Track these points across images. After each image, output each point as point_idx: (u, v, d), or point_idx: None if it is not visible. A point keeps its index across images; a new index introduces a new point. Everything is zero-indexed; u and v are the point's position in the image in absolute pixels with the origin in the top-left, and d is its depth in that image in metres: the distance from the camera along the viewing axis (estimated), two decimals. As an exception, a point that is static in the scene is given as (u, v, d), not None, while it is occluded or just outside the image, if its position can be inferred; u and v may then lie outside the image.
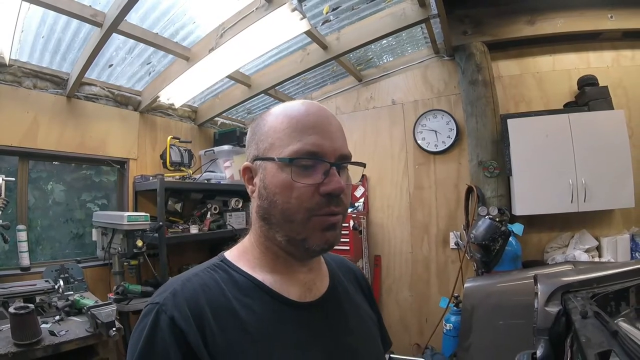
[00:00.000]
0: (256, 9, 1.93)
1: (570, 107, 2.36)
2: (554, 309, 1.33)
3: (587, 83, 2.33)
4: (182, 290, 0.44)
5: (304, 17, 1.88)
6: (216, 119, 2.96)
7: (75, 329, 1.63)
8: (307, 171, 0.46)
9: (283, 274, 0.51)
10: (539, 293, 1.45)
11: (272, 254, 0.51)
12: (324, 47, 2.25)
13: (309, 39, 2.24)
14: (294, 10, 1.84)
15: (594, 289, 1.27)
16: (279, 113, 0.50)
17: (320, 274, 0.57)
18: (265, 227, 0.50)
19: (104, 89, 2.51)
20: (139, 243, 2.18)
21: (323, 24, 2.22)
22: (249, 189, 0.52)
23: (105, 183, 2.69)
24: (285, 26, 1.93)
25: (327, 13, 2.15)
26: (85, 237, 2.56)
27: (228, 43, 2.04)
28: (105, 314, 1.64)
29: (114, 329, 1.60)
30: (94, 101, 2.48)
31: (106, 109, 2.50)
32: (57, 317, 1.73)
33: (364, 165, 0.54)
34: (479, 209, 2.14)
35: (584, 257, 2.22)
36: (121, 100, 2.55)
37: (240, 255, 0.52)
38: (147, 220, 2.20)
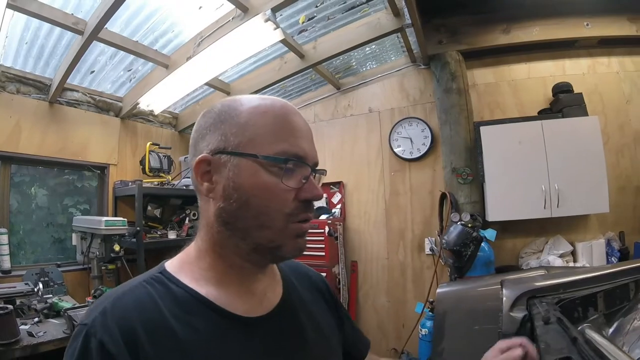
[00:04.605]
0: (232, 18, 2.00)
1: (544, 114, 2.42)
2: (519, 314, 1.36)
3: (561, 90, 2.39)
4: (112, 310, 0.40)
5: (277, 27, 1.95)
6: (198, 124, 3.03)
7: (53, 330, 1.70)
8: (289, 174, 0.44)
9: (230, 287, 0.47)
10: (504, 298, 1.49)
11: (225, 263, 0.47)
12: (301, 55, 2.33)
13: (286, 48, 2.32)
14: (267, 20, 1.91)
15: (561, 294, 1.25)
16: (259, 106, 0.45)
17: (273, 283, 0.53)
18: (225, 232, 0.45)
19: (85, 94, 2.59)
20: (116, 248, 2.24)
21: (300, 33, 2.30)
22: (204, 186, 0.45)
23: (87, 188, 2.75)
24: (260, 35, 2.00)
25: (303, 23, 2.23)
26: (66, 241, 2.62)
27: (205, 51, 2.11)
28: (81, 316, 1.72)
29: (89, 330, 1.68)
30: (75, 107, 2.55)
31: (87, 114, 2.57)
32: (36, 319, 1.80)
33: (324, 172, 0.52)
34: (452, 215, 2.19)
35: (558, 262, 2.27)
36: (102, 106, 2.63)
37: (181, 266, 0.47)
38: (125, 225, 2.26)
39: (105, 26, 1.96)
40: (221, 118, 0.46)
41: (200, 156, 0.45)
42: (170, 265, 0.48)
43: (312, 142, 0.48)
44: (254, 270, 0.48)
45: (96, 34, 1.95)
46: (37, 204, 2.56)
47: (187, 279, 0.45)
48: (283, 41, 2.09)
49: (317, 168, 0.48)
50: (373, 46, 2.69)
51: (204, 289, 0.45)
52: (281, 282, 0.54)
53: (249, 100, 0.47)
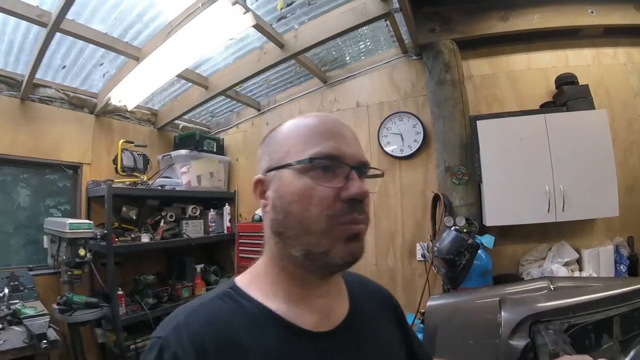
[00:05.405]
0: (202, 4, 1.71)
1: (547, 107, 2.08)
2: (520, 342, 1.04)
3: (565, 82, 2.06)
4: (186, 324, 0.40)
5: (247, 10, 1.65)
6: (178, 122, 2.74)
7: (14, 339, 1.55)
8: (327, 175, 0.42)
9: (298, 301, 0.45)
10: (502, 322, 1.20)
11: (288, 275, 0.45)
12: (281, 45, 2.02)
13: (266, 39, 2.01)
14: (235, 3, 1.61)
15: (570, 318, 1.01)
16: (294, 123, 0.47)
17: (340, 298, 0.51)
18: (280, 243, 0.44)
19: (58, 91, 2.32)
20: (82, 252, 1.97)
21: (279, 20, 1.98)
22: (261, 203, 0.47)
23: (68, 188, 2.48)
24: (229, 20, 1.70)
25: (281, 9, 1.92)
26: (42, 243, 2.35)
27: (174, 40, 1.82)
28: (37, 326, 1.57)
29: (45, 341, 1.51)
30: (48, 103, 2.29)
31: (60, 111, 2.30)
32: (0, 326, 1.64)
33: (382, 174, 0.50)
34: (445, 219, 1.86)
35: (562, 271, 1.92)
36: (76, 102, 2.35)
37: (251, 281, 0.47)
38: (90, 229, 1.98)
39: (71, 18, 1.73)
40: (268, 142, 0.48)
41: (255, 178, 0.47)
42: (241, 280, 0.48)
43: (352, 144, 0.46)
44: (317, 282, 0.46)
45: (58, 25, 1.74)
46: (19, 205, 2.31)
47: (256, 294, 0.45)
48: (257, 27, 1.78)
49: (371, 171, 0.46)
50: (368, 42, 2.38)
51: (274, 304, 0.44)
52: (347, 296, 0.52)
53: (289, 121, 0.48)
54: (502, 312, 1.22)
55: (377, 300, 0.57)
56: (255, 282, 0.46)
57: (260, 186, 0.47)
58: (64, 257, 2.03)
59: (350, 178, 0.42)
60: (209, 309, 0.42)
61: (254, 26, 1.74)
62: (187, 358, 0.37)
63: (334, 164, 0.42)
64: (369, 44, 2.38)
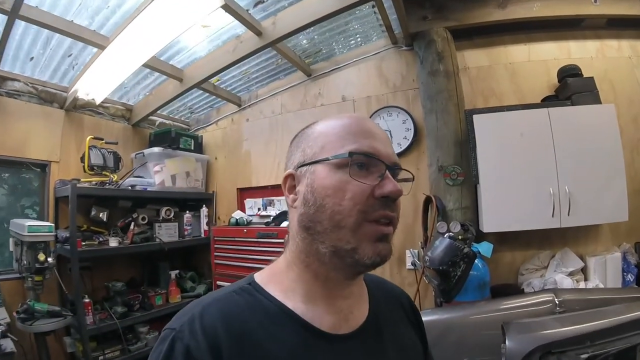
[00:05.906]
0: (169, -15, 1.46)
1: (550, 101, 1.83)
2: None
3: (569, 74, 1.81)
4: (200, 318, 0.38)
5: (215, -12, 1.40)
6: (155, 119, 2.48)
7: None
8: (362, 172, 0.41)
9: (318, 301, 0.42)
10: (506, 352, 0.99)
11: (311, 273, 0.43)
12: (258, 33, 1.77)
13: (243, 27, 1.77)
14: (200, -21, 1.36)
15: (588, 348, 0.87)
16: (329, 121, 0.45)
17: (361, 300, 0.48)
18: (308, 238, 0.42)
19: (27, 84, 2.08)
20: (41, 257, 1.73)
21: (255, 6, 1.73)
22: (290, 198, 0.45)
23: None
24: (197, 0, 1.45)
25: (258, -8, 1.67)
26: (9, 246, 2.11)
27: (140, 23, 1.58)
28: None
29: (-6, 352, 1.33)
30: (16, 98, 2.05)
31: (28, 106, 2.06)
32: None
33: (412, 178, 0.46)
34: (438, 224, 1.60)
35: (567, 282, 1.66)
36: (45, 97, 2.11)
37: (270, 278, 0.45)
38: (51, 232, 1.74)
39: (34, 4, 1.54)
40: (301, 138, 0.46)
41: (285, 172, 0.46)
42: (260, 276, 0.46)
43: (387, 144, 0.44)
44: (341, 282, 0.43)
45: (17, 10, 1.53)
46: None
47: (275, 290, 0.43)
48: (228, 9, 1.53)
49: (402, 174, 0.45)
50: (358, 38, 2.13)
51: (292, 302, 0.42)
52: (368, 300, 0.49)
53: (323, 120, 0.47)
54: (507, 341, 0.97)
55: (396, 302, 0.54)
56: (274, 278, 0.44)
57: (290, 181, 0.45)
58: (25, 262, 1.80)
59: (385, 177, 0.41)
60: (225, 303, 0.41)
61: (224, 8, 1.49)
62: (199, 351, 0.36)
63: (369, 161, 0.41)
64: (359, 39, 2.14)
